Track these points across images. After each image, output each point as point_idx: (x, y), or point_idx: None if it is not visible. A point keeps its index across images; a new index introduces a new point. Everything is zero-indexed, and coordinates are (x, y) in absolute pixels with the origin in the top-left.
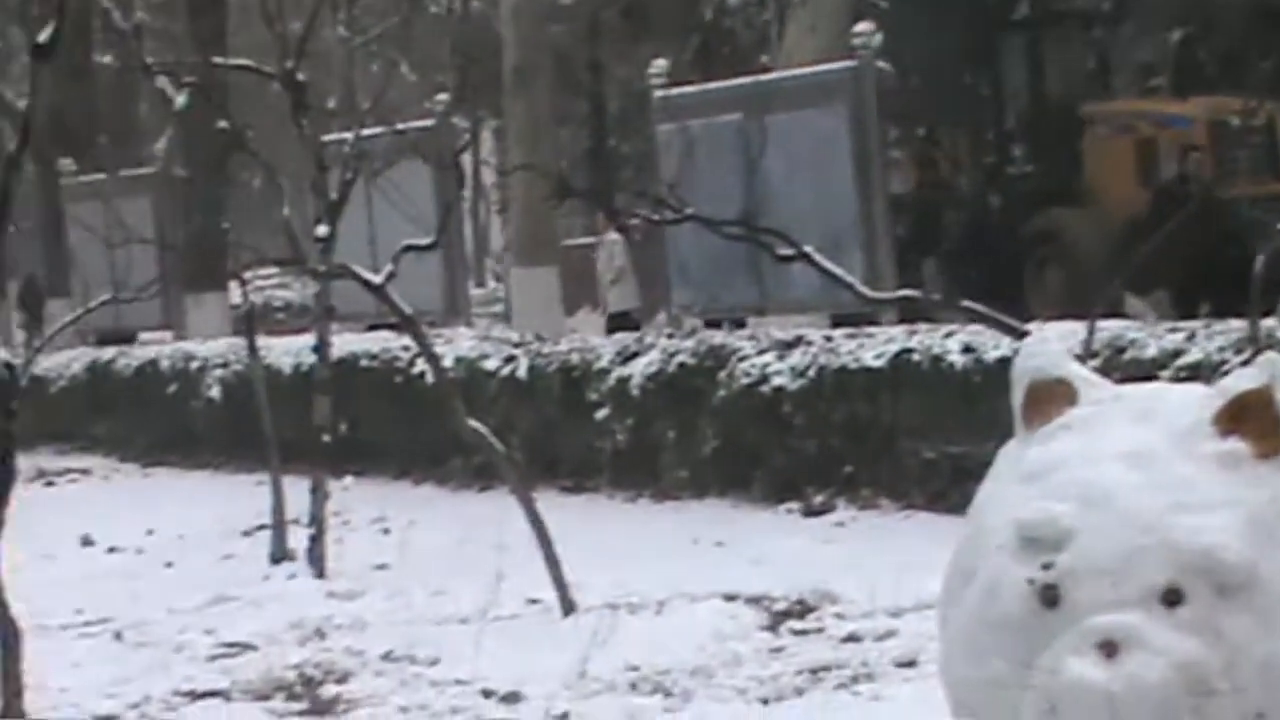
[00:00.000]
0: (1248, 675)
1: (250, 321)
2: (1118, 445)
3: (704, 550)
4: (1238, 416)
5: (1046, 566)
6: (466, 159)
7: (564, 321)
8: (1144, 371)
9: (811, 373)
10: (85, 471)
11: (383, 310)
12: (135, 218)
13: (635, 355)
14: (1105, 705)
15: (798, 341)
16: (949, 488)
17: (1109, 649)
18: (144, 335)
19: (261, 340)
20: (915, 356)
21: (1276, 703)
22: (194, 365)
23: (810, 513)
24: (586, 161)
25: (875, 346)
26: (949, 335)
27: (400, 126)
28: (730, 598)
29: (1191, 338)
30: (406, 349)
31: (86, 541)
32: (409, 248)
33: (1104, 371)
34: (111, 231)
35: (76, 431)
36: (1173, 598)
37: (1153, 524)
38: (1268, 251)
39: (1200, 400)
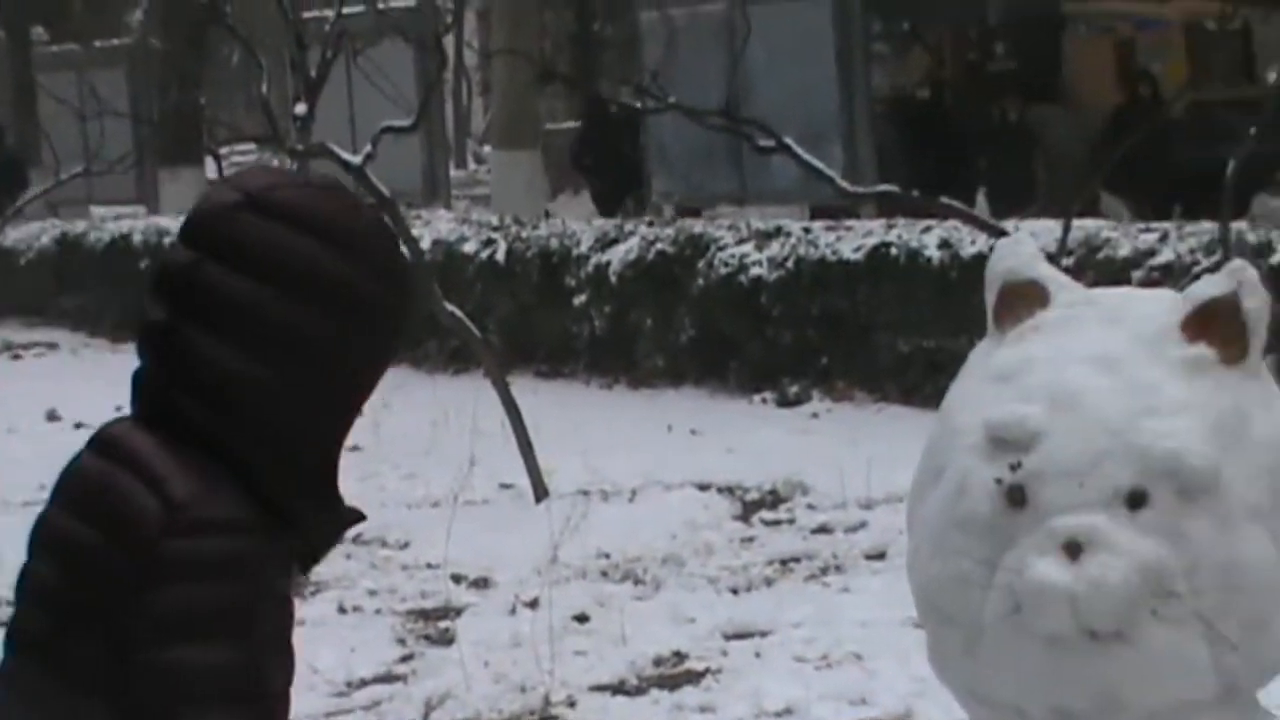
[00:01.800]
0: (1207, 578)
1: None
2: (1087, 349)
3: (678, 439)
4: (1205, 323)
5: (1014, 467)
6: (449, 40)
7: (544, 206)
8: (1117, 271)
9: (789, 264)
10: (52, 346)
11: (361, 191)
12: (109, 90)
13: (614, 242)
14: (1068, 605)
15: (776, 232)
16: (922, 381)
17: (1073, 549)
18: (116, 209)
19: None
20: (893, 251)
21: (1232, 606)
22: (168, 241)
23: (785, 403)
24: (570, 46)
25: (853, 240)
26: (926, 230)
27: (382, 5)
28: (703, 487)
29: (1164, 238)
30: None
31: (52, 416)
32: (388, 129)
33: (1078, 270)
34: (84, 103)
35: (44, 305)
36: (1136, 500)
37: (1119, 427)
38: (1239, 155)
39: (1169, 306)
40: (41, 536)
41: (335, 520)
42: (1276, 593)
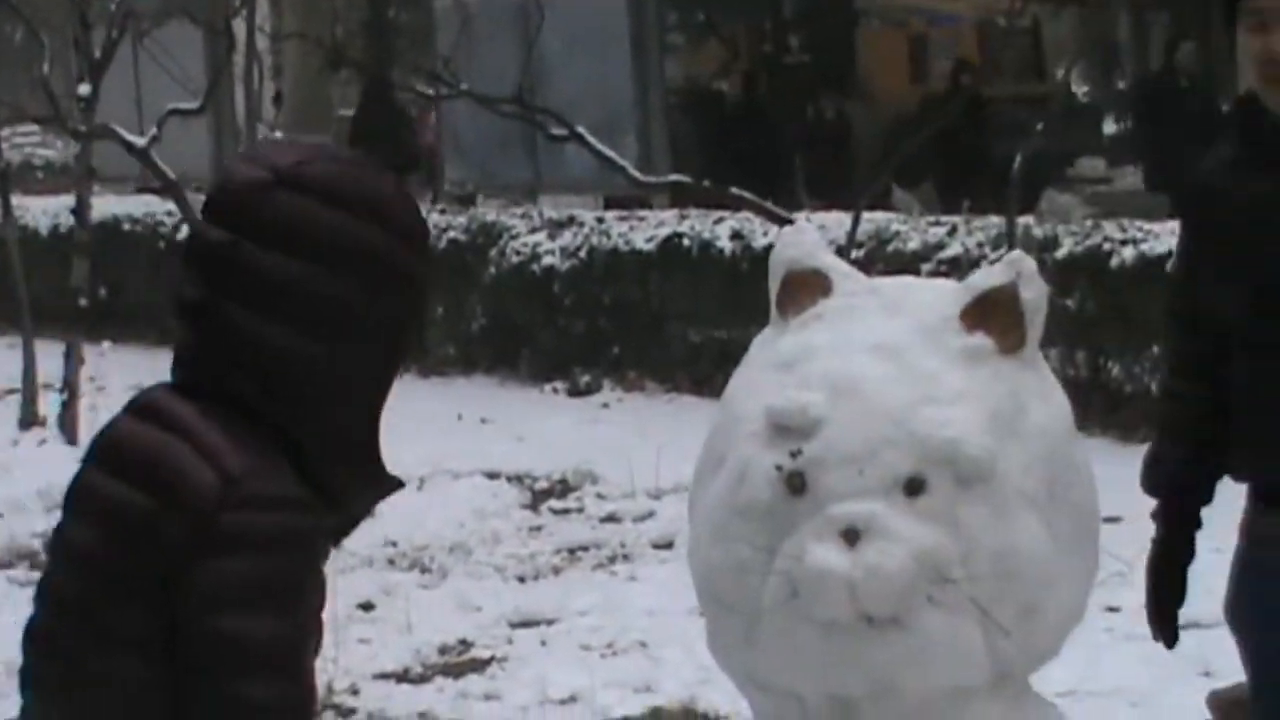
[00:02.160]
0: (982, 565)
1: (5, 180)
2: (868, 337)
3: (468, 427)
4: (984, 313)
5: (794, 454)
6: (240, 24)
7: None
8: (906, 263)
9: (582, 254)
10: None
11: (150, 174)
12: None
13: None
14: (845, 591)
15: (569, 222)
16: (714, 372)
17: (851, 536)
18: None
19: (18, 200)
20: (685, 241)
21: (1006, 592)
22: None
23: (576, 393)
24: (363, 32)
25: (646, 230)
26: (719, 222)
27: None
28: (492, 475)
29: (952, 232)
30: (171, 214)
31: None
32: (174, 111)
33: (868, 262)
34: None
35: None
36: (914, 487)
37: (898, 415)
38: (1026, 150)
39: (949, 296)
40: (82, 500)
41: (377, 491)
42: (1049, 580)
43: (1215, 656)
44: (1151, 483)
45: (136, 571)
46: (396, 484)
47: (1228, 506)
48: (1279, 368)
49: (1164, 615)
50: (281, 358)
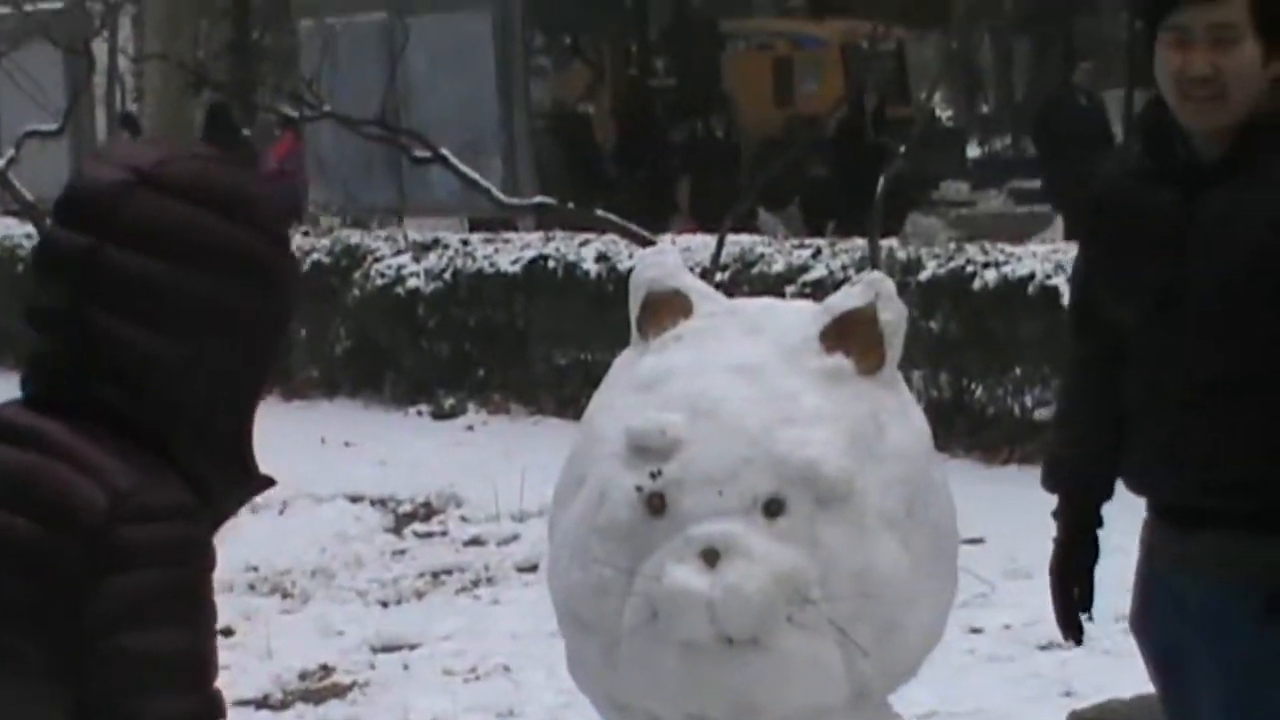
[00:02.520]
0: (841, 585)
1: None
2: (728, 358)
3: (331, 450)
4: (843, 333)
5: (654, 475)
6: (101, 44)
7: None
8: (770, 286)
9: (447, 276)
10: None
11: (9, 196)
12: None
13: None
14: (705, 612)
15: (434, 244)
16: (579, 394)
17: (710, 557)
18: None
19: None
20: (550, 264)
21: (865, 612)
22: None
23: (440, 416)
24: (226, 53)
25: (511, 252)
26: (584, 244)
27: (30, 7)
28: (355, 499)
29: (817, 254)
30: (30, 237)
31: None
32: (33, 133)
33: (733, 284)
34: None
35: None
36: (774, 508)
37: (758, 436)
38: (890, 173)
39: (809, 317)
40: None
41: (247, 488)
42: (908, 600)
43: (1076, 677)
44: (1051, 481)
45: (27, 597)
46: (267, 481)
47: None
48: (1170, 382)
49: (1068, 615)
50: (149, 360)
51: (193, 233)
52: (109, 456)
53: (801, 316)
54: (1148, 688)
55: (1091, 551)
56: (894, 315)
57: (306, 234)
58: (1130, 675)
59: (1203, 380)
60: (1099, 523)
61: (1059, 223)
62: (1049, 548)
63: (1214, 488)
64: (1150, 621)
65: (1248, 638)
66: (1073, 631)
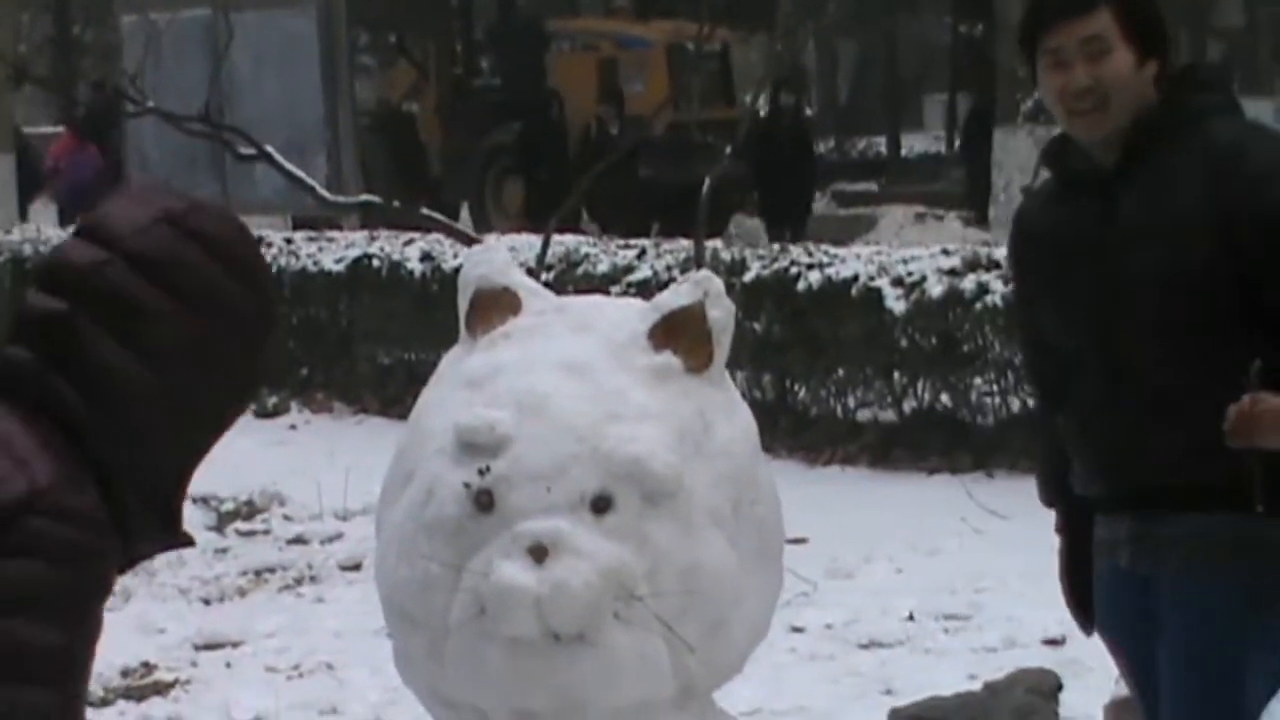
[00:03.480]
0: (668, 581)
1: None
2: (556, 355)
3: None
4: (671, 331)
5: (482, 471)
6: None
7: (16, 210)
8: (595, 286)
9: (271, 274)
10: None
11: None
12: None
13: None
14: (532, 608)
15: (258, 242)
16: (403, 393)
17: (538, 553)
18: None
19: None
20: (375, 263)
21: (691, 608)
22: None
23: (263, 414)
24: (48, 48)
25: (335, 251)
26: (409, 243)
27: None
28: None
29: (642, 255)
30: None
31: None
32: None
33: (558, 285)
34: None
35: None
36: (602, 505)
37: (585, 433)
38: (714, 175)
39: (637, 314)
40: None
41: (165, 538)
42: (735, 596)
43: (896, 675)
44: (1043, 498)
45: None
46: (187, 540)
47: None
48: (1089, 391)
49: (1083, 613)
50: (122, 380)
51: (201, 280)
52: (41, 450)
53: (630, 314)
54: (967, 685)
55: (1088, 556)
56: (722, 313)
57: None
58: (949, 673)
59: (1151, 373)
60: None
61: (882, 224)
62: (870, 548)
63: (1174, 474)
64: (1120, 619)
65: (1228, 617)
66: (1085, 624)
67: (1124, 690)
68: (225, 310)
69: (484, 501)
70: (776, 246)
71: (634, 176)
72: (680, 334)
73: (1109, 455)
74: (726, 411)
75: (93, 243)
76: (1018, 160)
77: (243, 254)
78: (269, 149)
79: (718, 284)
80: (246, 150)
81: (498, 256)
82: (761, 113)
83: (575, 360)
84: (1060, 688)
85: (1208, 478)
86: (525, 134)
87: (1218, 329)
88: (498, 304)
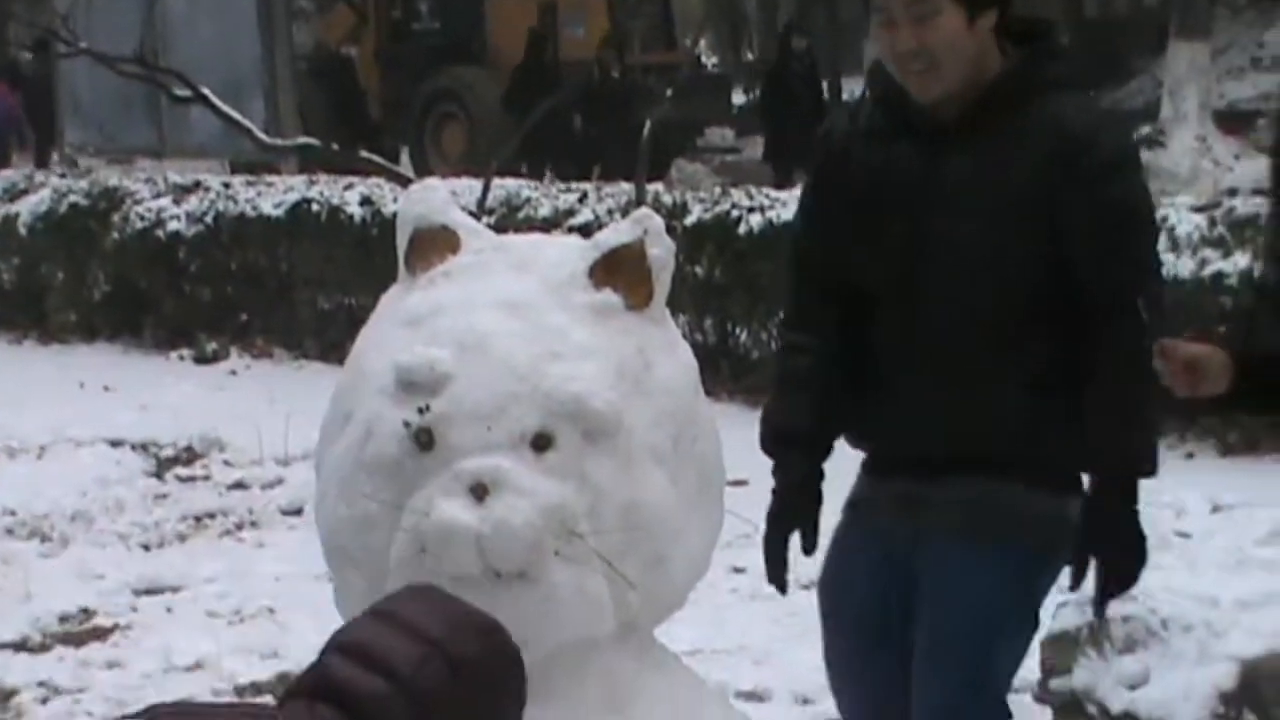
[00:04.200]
0: (609, 518)
1: None
2: (496, 294)
3: (91, 395)
4: (611, 269)
5: (422, 410)
6: None
7: None
8: (537, 229)
9: (209, 219)
10: None
11: None
12: None
13: (24, 193)
14: (473, 545)
15: (195, 187)
16: (343, 338)
17: (479, 491)
18: None
19: None
20: (314, 207)
21: (632, 545)
22: None
23: (203, 360)
24: None
25: (274, 195)
26: (348, 188)
27: None
28: (116, 443)
29: (583, 198)
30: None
31: None
32: None
33: (498, 229)
34: None
35: None
36: (542, 443)
37: (525, 371)
38: (655, 118)
39: (577, 253)
40: None
41: None
42: (675, 533)
43: None
44: (768, 436)
45: None
46: None
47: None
48: (887, 349)
49: (781, 564)
50: None
51: (469, 711)
52: None
53: (570, 252)
54: None
55: (811, 501)
56: (662, 251)
57: (63, 175)
58: None
59: (955, 334)
60: (819, 476)
61: None
62: None
63: (962, 441)
64: (857, 576)
65: (996, 581)
66: (782, 580)
67: (1061, 624)
68: None
69: (424, 440)
70: (718, 190)
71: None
72: (620, 272)
73: (900, 414)
74: (666, 349)
75: (370, 671)
76: None
77: (503, 677)
78: (205, 91)
79: (657, 222)
80: (182, 93)
81: (436, 195)
82: (749, 57)
83: (515, 298)
84: None
85: (994, 447)
86: (518, 77)
87: (1024, 308)
88: (436, 243)
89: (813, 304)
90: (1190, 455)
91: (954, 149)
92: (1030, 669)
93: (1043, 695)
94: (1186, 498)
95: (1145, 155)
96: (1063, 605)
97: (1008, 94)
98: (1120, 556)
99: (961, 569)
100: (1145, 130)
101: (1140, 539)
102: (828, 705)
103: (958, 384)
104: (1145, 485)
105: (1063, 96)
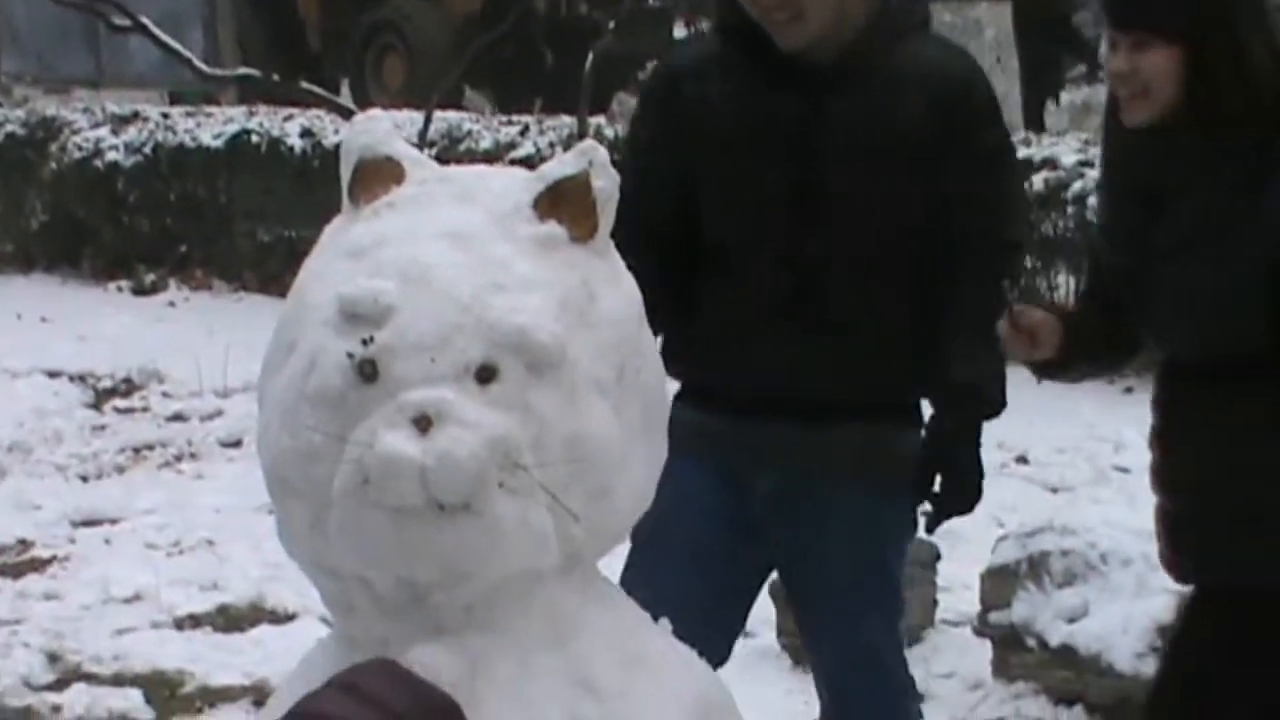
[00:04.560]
0: (553, 450)
1: None
2: (440, 225)
3: (28, 326)
4: (556, 201)
5: (366, 341)
6: None
7: None
8: (478, 162)
9: (147, 150)
10: None
11: None
12: None
13: None
14: (417, 477)
15: (134, 117)
16: (283, 270)
17: (423, 423)
18: None
19: None
20: (254, 138)
21: (576, 477)
22: None
23: (141, 292)
24: None
25: (214, 126)
26: (289, 119)
27: None
28: (53, 374)
29: (525, 131)
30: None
31: None
32: None
33: (440, 161)
34: None
35: None
36: (486, 375)
37: (469, 303)
38: (598, 51)
39: (521, 184)
40: None
41: None
42: (619, 464)
43: None
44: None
45: None
46: None
47: None
48: (761, 294)
49: None
50: None
51: None
52: None
53: (514, 184)
54: None
55: None
56: (607, 183)
57: (0, 105)
58: None
59: (840, 280)
60: None
61: None
62: None
63: (846, 386)
64: (694, 512)
65: (883, 521)
66: None
67: (1000, 559)
68: None
69: (367, 371)
70: None
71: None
72: (565, 203)
73: (772, 361)
74: (611, 281)
75: (377, 715)
76: None
77: None
78: (144, 20)
79: (602, 153)
80: (121, 22)
81: (381, 125)
82: None
83: (459, 230)
84: (938, 556)
85: (880, 394)
86: (405, 11)
87: (906, 251)
88: (381, 173)
89: (669, 246)
90: (1129, 390)
91: (833, 94)
92: (970, 602)
93: (982, 629)
94: (1125, 432)
95: None
96: (1002, 539)
97: (884, 36)
98: (962, 482)
99: (861, 513)
100: None
101: (980, 469)
102: (769, 638)
103: (843, 330)
104: (1086, 420)
105: (926, 38)
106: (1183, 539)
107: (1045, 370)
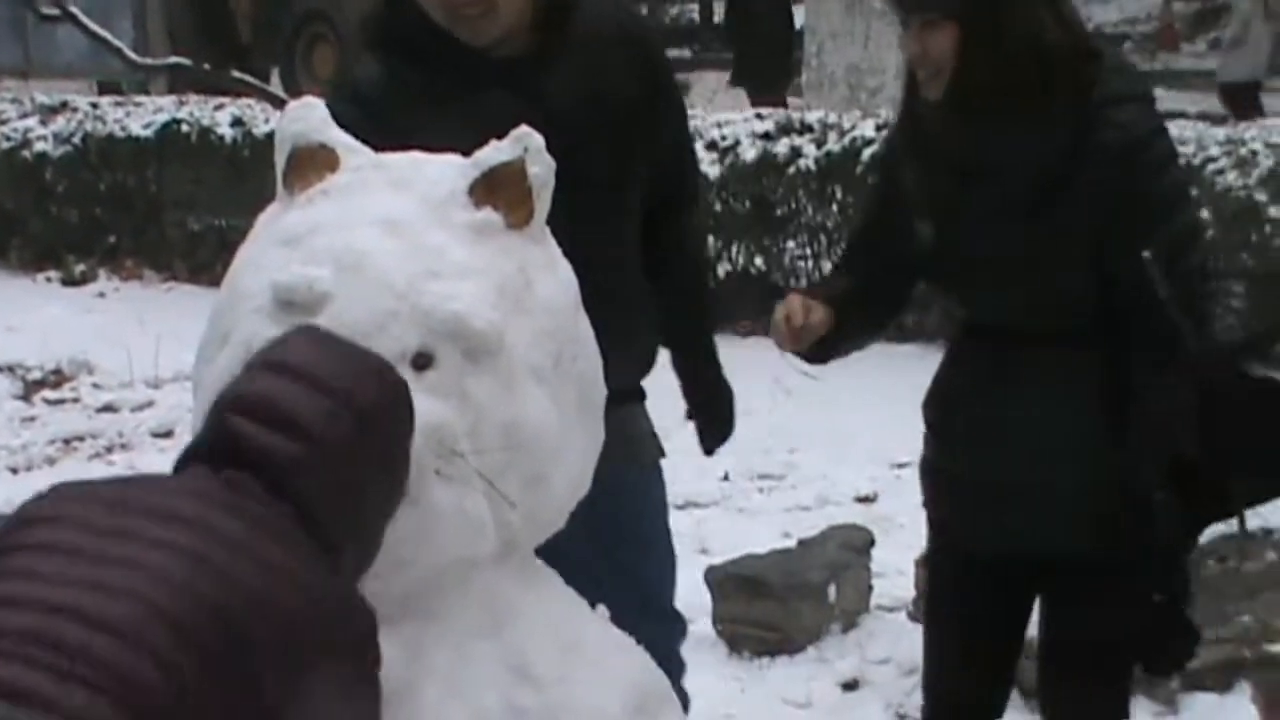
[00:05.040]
0: (490, 437)
1: None
2: (374, 212)
3: None
4: (491, 188)
5: None
6: None
7: None
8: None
9: (76, 140)
10: None
11: None
12: None
13: None
14: None
15: (62, 107)
16: (214, 260)
17: None
18: None
19: None
20: (184, 128)
21: (513, 464)
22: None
23: (70, 282)
24: None
25: (143, 116)
26: (219, 108)
27: None
28: None
29: None
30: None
31: None
32: None
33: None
34: None
35: None
36: (422, 362)
37: (404, 290)
38: None
39: (456, 171)
40: None
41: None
42: (555, 451)
43: (711, 535)
44: None
45: None
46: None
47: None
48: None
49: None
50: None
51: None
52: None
53: (449, 170)
54: (781, 543)
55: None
56: (542, 169)
57: None
58: (765, 532)
59: (595, 262)
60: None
61: (695, 90)
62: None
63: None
64: None
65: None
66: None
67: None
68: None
69: None
70: None
71: None
72: (500, 190)
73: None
74: (547, 267)
75: (276, 430)
76: (829, 27)
77: (400, 417)
78: (73, 9)
79: (538, 139)
80: (49, 11)
81: (315, 113)
82: None
83: (394, 217)
84: (872, 543)
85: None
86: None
87: (630, 218)
88: (315, 161)
89: None
90: None
91: (542, 78)
92: (905, 588)
93: (917, 614)
94: None
95: None
96: None
97: (562, 10)
98: (723, 409)
99: (645, 498)
100: None
101: (730, 391)
102: (705, 625)
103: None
104: None
105: (601, 6)
106: (960, 500)
107: (813, 356)
